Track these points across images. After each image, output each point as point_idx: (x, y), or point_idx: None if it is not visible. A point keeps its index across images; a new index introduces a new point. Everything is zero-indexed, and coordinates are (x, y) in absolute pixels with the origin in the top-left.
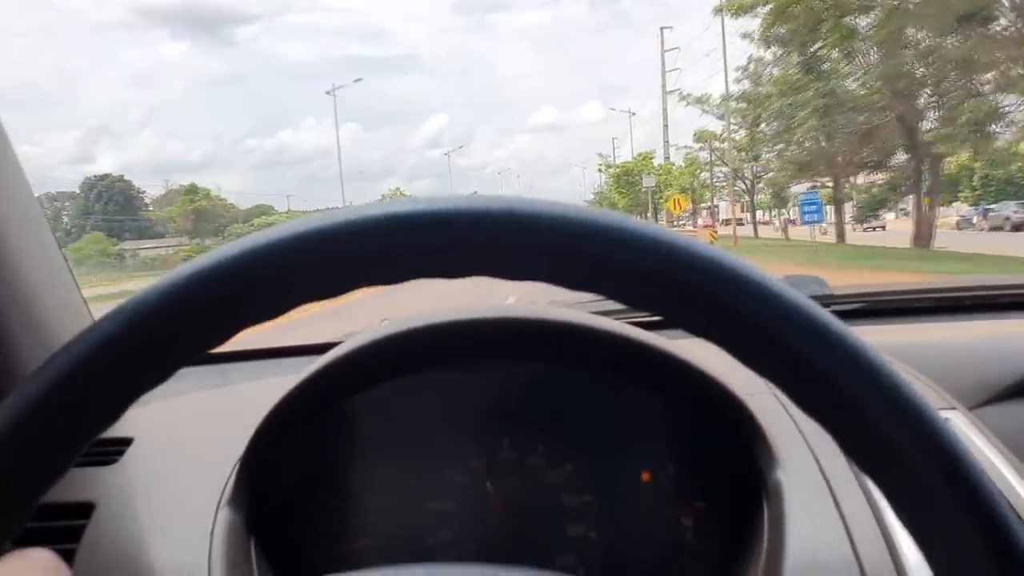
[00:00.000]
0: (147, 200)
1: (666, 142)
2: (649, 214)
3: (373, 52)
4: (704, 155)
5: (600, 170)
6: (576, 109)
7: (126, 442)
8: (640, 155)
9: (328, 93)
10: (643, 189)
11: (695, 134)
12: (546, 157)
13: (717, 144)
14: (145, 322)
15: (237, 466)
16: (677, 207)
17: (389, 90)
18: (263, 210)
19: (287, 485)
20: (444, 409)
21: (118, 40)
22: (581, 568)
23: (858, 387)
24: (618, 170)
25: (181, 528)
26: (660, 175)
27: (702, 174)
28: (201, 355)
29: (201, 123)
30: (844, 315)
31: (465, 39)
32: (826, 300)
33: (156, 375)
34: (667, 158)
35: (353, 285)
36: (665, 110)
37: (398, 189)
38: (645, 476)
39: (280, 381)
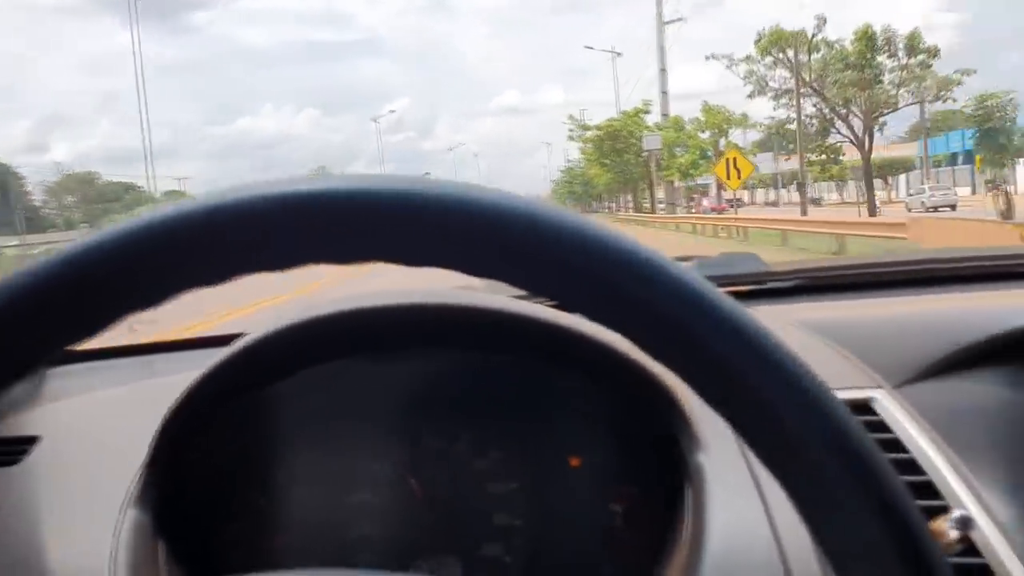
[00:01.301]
0: (29, 188)
1: (664, 92)
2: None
3: (332, 36)
4: (778, 76)
5: (572, 138)
6: (538, 92)
7: (31, 441)
8: (632, 111)
9: None
10: (642, 154)
11: (759, 41)
12: (509, 140)
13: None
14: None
15: (144, 464)
16: (735, 176)
17: (350, 75)
18: (139, 196)
19: (201, 482)
20: (363, 399)
21: (69, 27)
22: (508, 557)
23: (757, 376)
24: (600, 132)
25: (83, 529)
26: (665, 132)
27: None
28: (111, 349)
29: (158, 112)
30: (781, 292)
31: (424, 21)
32: (763, 277)
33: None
34: (665, 114)
35: (237, 272)
36: (662, 47)
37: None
38: (572, 463)
39: (195, 374)
